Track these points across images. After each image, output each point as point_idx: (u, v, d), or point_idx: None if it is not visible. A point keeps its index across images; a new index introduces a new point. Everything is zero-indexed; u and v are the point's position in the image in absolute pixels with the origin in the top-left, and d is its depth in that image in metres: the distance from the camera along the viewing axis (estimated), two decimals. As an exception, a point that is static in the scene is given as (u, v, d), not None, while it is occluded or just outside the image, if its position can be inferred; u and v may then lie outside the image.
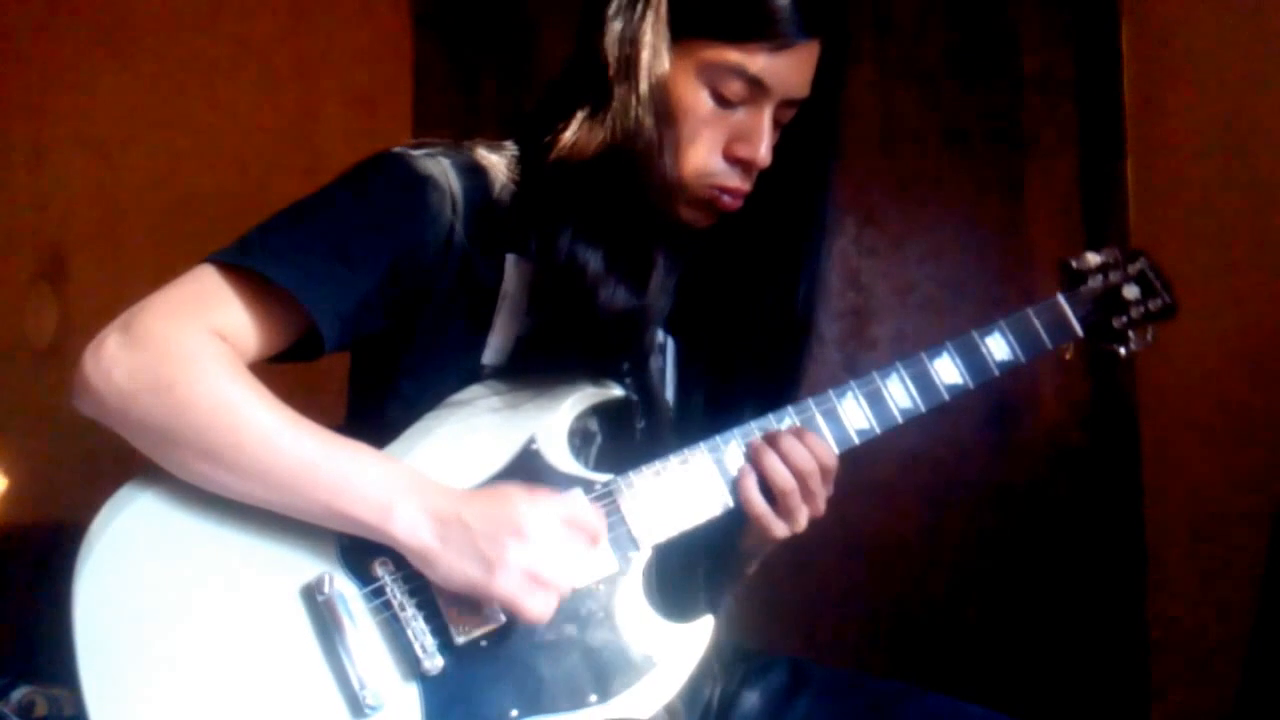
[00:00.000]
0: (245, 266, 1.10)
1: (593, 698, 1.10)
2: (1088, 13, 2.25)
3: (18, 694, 1.86)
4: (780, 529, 1.17)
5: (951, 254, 2.32)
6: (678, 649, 1.13)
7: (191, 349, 1.07)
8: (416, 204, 1.15)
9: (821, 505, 1.19)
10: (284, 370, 1.17)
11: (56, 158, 2.50)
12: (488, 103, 2.39)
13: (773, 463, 1.15)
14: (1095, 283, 1.29)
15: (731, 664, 1.30)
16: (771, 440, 1.16)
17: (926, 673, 2.13)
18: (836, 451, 1.19)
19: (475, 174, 1.19)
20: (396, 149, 1.18)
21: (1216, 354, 1.95)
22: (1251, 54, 2.05)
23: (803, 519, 1.18)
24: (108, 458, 1.10)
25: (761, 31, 1.13)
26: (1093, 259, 1.31)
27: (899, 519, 2.28)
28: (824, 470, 1.17)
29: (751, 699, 1.28)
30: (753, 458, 1.17)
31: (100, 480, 1.11)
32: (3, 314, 2.50)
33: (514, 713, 1.09)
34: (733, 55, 1.14)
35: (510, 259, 1.19)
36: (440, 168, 1.17)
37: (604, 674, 1.11)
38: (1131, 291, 1.29)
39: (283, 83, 2.47)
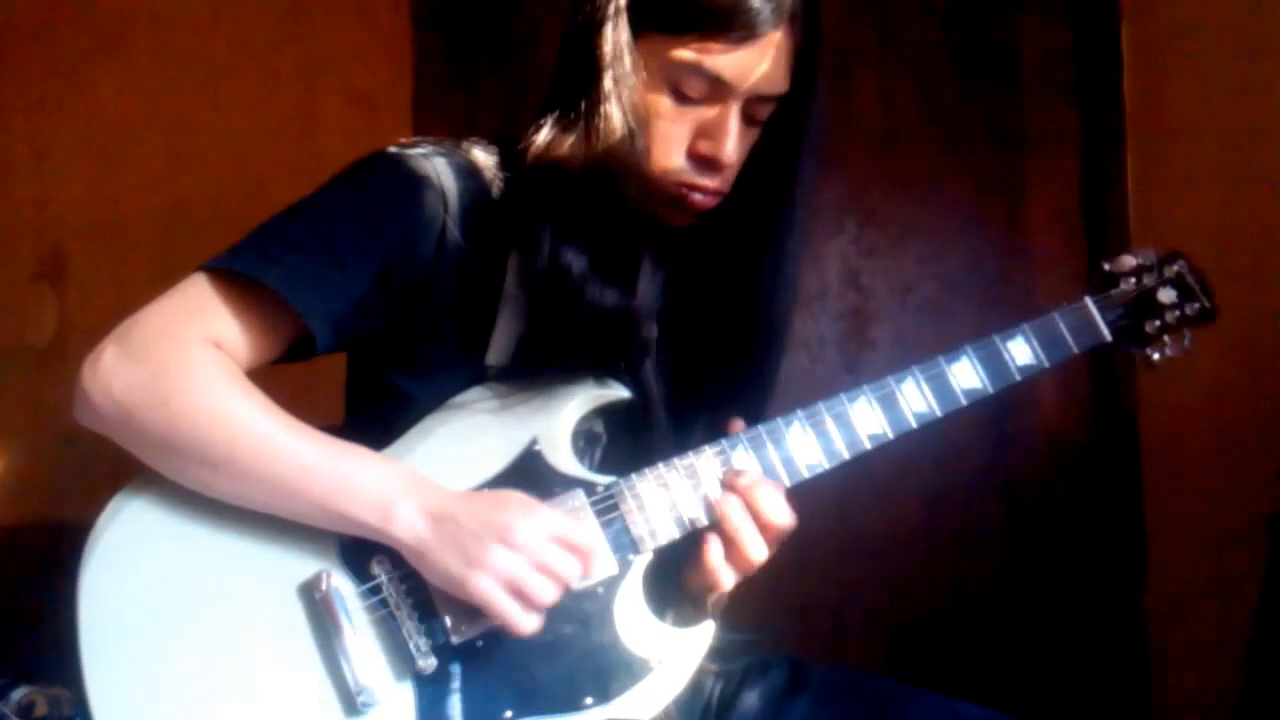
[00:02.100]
0: (236, 272, 1.10)
1: (589, 700, 1.10)
2: (1088, 12, 2.25)
3: (18, 694, 1.86)
4: (731, 583, 1.16)
5: (951, 254, 2.32)
6: (676, 653, 1.13)
7: (188, 360, 1.08)
8: (408, 204, 1.15)
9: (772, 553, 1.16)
10: (282, 372, 1.17)
11: (56, 158, 2.50)
12: (488, 103, 2.40)
13: (749, 535, 1.13)
14: (1128, 285, 1.26)
15: (731, 664, 1.30)
16: (738, 505, 1.13)
17: (926, 673, 2.13)
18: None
19: (469, 173, 1.19)
20: (389, 149, 1.18)
21: (1217, 353, 1.94)
22: (1252, 53, 2.05)
23: (753, 571, 1.16)
24: (107, 458, 1.10)
25: (717, 26, 1.11)
26: (1128, 260, 1.27)
27: (899, 518, 2.28)
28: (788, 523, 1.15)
29: (751, 699, 1.28)
30: (721, 523, 1.13)
31: (100, 480, 1.12)
32: (3, 314, 2.49)
33: (508, 714, 1.09)
34: (690, 53, 1.12)
35: (514, 258, 1.19)
36: (433, 167, 1.17)
37: (601, 676, 1.11)
38: (1167, 295, 1.25)
39: (283, 83, 2.47)
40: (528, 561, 1.05)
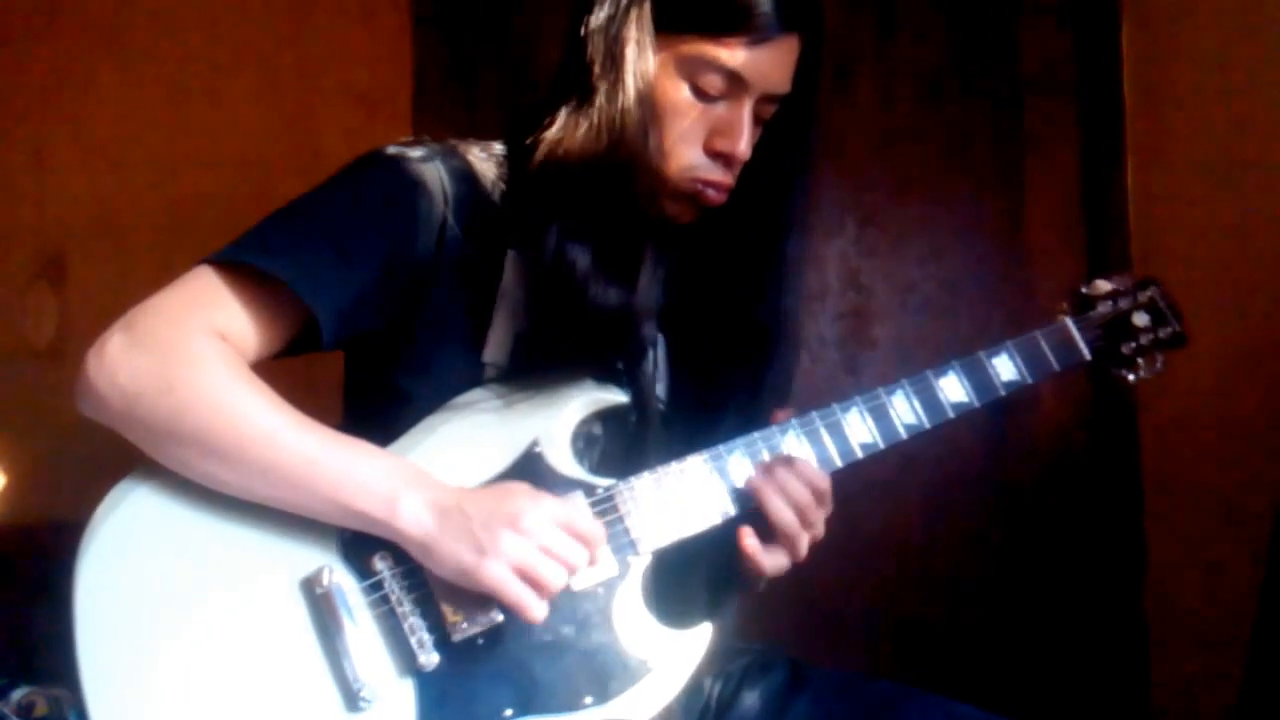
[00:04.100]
0: (243, 263, 1.11)
1: (588, 700, 1.11)
2: (1088, 13, 2.25)
3: (18, 694, 1.86)
4: (783, 566, 1.19)
5: (951, 254, 2.32)
6: (675, 655, 1.14)
7: (194, 350, 1.08)
8: (410, 201, 1.16)
9: (821, 530, 1.20)
10: (283, 369, 1.17)
11: (56, 158, 2.50)
12: (488, 103, 2.39)
13: (777, 505, 1.16)
14: (1105, 308, 1.31)
15: (730, 664, 1.30)
16: (765, 480, 1.16)
17: (926, 673, 2.13)
18: (828, 474, 1.20)
19: (466, 172, 1.20)
20: (388, 148, 1.20)
21: (1216, 353, 1.95)
22: (1251, 54, 2.05)
23: (803, 549, 1.19)
24: (108, 457, 1.10)
25: (740, 25, 1.15)
26: (1103, 285, 1.33)
27: (899, 519, 2.28)
28: (818, 494, 1.17)
29: (750, 699, 1.28)
30: (758, 498, 1.16)
31: (100, 480, 1.12)
32: (3, 314, 2.49)
33: (508, 712, 1.09)
34: (712, 49, 1.15)
35: (511, 255, 1.20)
36: (432, 166, 1.18)
37: (600, 676, 1.11)
38: (1141, 319, 1.31)
39: (283, 83, 2.47)
40: (537, 546, 1.06)
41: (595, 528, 1.11)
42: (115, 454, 1.11)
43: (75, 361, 1.10)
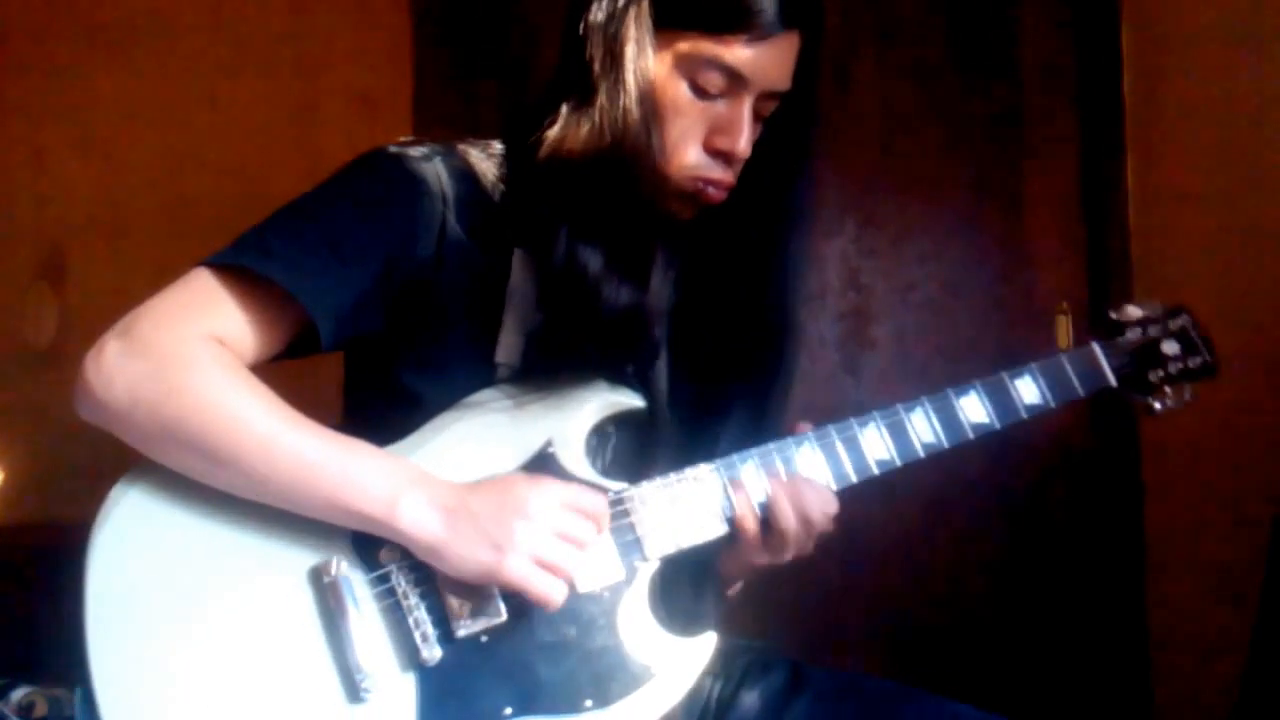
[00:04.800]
0: (240, 267, 1.10)
1: (589, 703, 1.10)
2: (1088, 12, 2.25)
3: (18, 694, 1.86)
4: (764, 559, 1.19)
5: (951, 254, 2.32)
6: (677, 662, 1.14)
7: (191, 354, 1.07)
8: (409, 201, 1.15)
9: (811, 546, 1.21)
10: (283, 370, 1.17)
11: (56, 158, 2.50)
12: (488, 103, 2.40)
13: (783, 505, 1.17)
14: (1134, 335, 1.30)
15: (730, 664, 1.30)
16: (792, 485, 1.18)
17: (926, 674, 2.12)
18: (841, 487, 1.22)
19: (467, 171, 1.20)
20: (389, 147, 1.19)
21: (1217, 354, 1.94)
22: (1251, 53, 2.05)
23: (789, 556, 1.19)
24: (108, 457, 1.10)
25: (739, 23, 1.14)
26: (1133, 311, 1.32)
27: (899, 519, 2.28)
28: (827, 517, 1.20)
29: (750, 699, 1.28)
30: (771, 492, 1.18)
31: (101, 479, 1.11)
32: (3, 314, 2.50)
33: (508, 710, 1.09)
34: (711, 47, 1.14)
35: (518, 254, 1.19)
36: (431, 165, 1.18)
37: (602, 680, 1.11)
38: (1170, 347, 1.30)
39: (283, 83, 2.47)
40: (550, 531, 1.07)
41: (598, 502, 1.11)
42: (116, 454, 1.11)
43: (75, 362, 1.09)
